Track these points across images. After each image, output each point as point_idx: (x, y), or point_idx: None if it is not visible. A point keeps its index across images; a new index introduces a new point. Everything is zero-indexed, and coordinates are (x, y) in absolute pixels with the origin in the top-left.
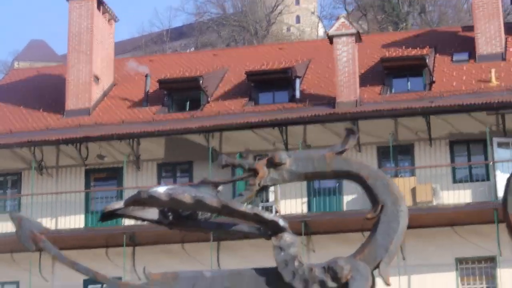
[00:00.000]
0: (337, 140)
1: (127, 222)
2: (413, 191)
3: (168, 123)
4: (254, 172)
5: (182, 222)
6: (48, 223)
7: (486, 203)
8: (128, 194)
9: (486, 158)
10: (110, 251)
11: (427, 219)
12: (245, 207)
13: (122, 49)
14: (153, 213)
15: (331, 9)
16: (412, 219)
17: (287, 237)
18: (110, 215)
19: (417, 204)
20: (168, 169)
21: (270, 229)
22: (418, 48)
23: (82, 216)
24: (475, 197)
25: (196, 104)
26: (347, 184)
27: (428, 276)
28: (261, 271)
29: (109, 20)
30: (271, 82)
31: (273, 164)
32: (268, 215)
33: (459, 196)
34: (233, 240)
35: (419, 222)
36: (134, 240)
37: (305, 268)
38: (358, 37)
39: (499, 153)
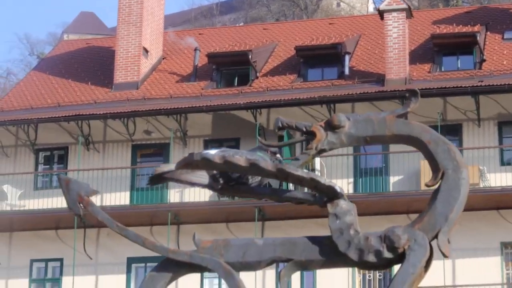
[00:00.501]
0: None
1: (172, 199)
2: None
3: (216, 99)
4: (311, 135)
5: (234, 187)
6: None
7: None
8: None
9: None
10: (154, 229)
11: (473, 202)
12: (301, 172)
13: (171, 22)
14: (203, 177)
15: None
16: None
17: (343, 204)
18: (158, 178)
19: None
20: (214, 146)
21: (326, 195)
22: (469, 26)
23: (128, 193)
24: None
25: (244, 79)
26: (393, 165)
27: (472, 260)
28: (315, 240)
29: None
30: (320, 57)
31: (331, 126)
32: (325, 180)
33: (506, 179)
34: (280, 219)
35: (465, 205)
36: (178, 218)
37: (361, 237)
38: (409, 12)
39: None
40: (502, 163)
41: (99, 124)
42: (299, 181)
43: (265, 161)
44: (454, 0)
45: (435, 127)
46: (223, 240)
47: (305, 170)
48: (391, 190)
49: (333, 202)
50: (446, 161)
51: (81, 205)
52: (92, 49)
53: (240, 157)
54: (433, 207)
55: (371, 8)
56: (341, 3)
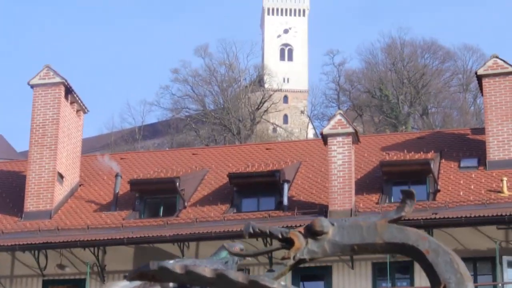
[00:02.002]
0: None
1: None
2: None
3: (138, 230)
4: (289, 243)
5: None
6: None
7: None
8: None
9: (494, 279)
10: None
11: None
12: (278, 285)
13: (88, 146)
14: None
15: (323, 108)
16: None
17: None
18: None
19: None
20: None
21: None
22: (421, 152)
23: None
24: None
25: (171, 209)
26: None
27: None
28: None
29: (77, 111)
30: (256, 186)
31: (312, 233)
32: None
33: None
34: None
35: None
36: None
37: None
38: (355, 137)
39: (509, 274)
40: None
41: (6, 256)
42: None
43: (235, 272)
44: (403, 126)
45: (383, 264)
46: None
47: (283, 283)
48: None
49: None
50: (448, 273)
51: None
52: (0, 174)
53: (206, 268)
54: None
55: (310, 134)
56: (278, 128)
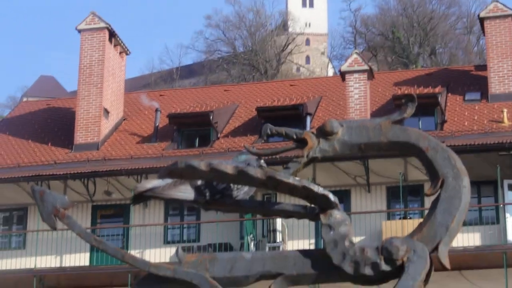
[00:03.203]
0: (347, 179)
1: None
2: None
3: (176, 159)
4: (303, 143)
5: (219, 201)
6: (53, 260)
7: (495, 247)
8: (134, 232)
9: (496, 201)
10: None
11: (434, 263)
12: (293, 179)
13: (131, 86)
14: (187, 191)
15: (341, 49)
16: None
17: (337, 214)
18: (141, 197)
19: None
20: (175, 207)
21: (318, 205)
22: (430, 87)
23: (87, 254)
24: (485, 240)
25: (206, 140)
26: (354, 225)
27: None
28: (308, 253)
29: (120, 53)
30: (281, 118)
31: (323, 133)
32: (318, 189)
33: (468, 239)
34: None
35: None
36: (138, 279)
37: (356, 248)
38: (370, 74)
39: (510, 196)
40: (464, 223)
41: (59, 184)
42: (291, 190)
43: (254, 168)
44: (413, 65)
45: (397, 188)
46: (209, 254)
47: (297, 178)
48: None
49: (326, 213)
50: (446, 168)
51: (56, 218)
52: (52, 110)
53: (228, 165)
54: (432, 217)
55: (330, 73)
56: (301, 68)
